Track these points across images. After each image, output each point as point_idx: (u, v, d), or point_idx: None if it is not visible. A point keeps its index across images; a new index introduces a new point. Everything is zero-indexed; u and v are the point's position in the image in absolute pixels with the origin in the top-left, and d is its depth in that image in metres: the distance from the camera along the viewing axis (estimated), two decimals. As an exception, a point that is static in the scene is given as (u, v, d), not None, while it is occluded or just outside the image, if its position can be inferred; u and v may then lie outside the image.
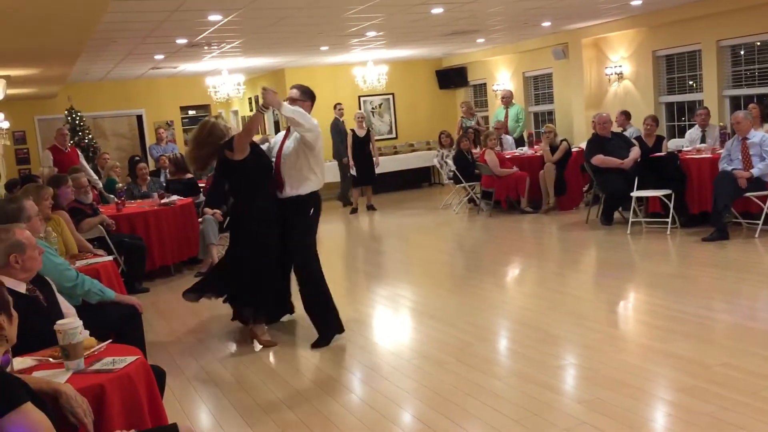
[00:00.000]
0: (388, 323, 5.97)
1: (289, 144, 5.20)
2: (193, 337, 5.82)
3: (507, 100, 13.27)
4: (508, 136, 12.33)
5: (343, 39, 10.80)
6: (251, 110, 17.62)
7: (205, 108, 17.47)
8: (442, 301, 6.35)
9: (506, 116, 13.16)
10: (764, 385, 3.80)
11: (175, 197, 8.45)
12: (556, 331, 5.14)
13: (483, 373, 4.40)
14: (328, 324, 5.33)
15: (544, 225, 9.68)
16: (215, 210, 8.10)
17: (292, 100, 5.11)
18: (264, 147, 5.41)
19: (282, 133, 5.46)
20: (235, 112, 18.96)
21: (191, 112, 17.60)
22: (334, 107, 12.77)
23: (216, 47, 10.49)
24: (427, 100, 15.92)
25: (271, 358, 5.19)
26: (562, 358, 4.65)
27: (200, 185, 9.69)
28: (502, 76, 14.68)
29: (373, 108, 15.25)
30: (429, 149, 14.69)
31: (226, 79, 13.10)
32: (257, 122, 5.13)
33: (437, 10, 8.75)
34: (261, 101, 5.01)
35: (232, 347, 5.52)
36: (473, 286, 6.84)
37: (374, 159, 12.27)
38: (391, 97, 14.76)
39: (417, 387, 4.34)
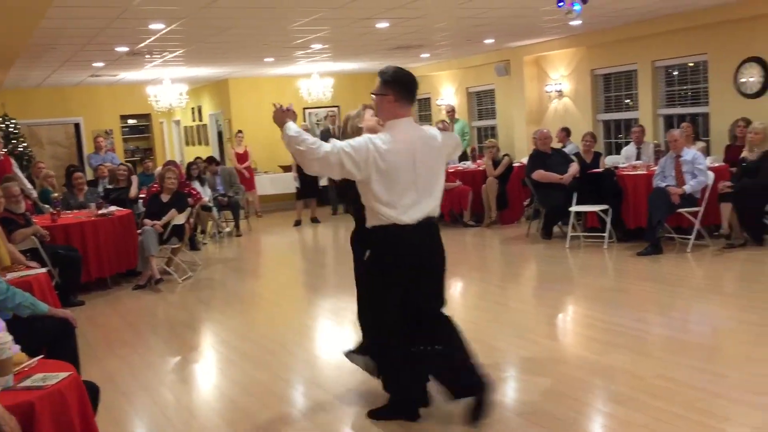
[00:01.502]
0: (331, 336, 5.94)
1: None
2: (130, 351, 5.67)
3: (451, 114, 13.42)
4: (451, 151, 12.45)
5: (288, 51, 10.77)
6: (194, 120, 17.38)
7: (146, 117, 17.15)
8: (386, 314, 6.33)
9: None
10: (698, 396, 3.92)
11: (113, 208, 8.25)
12: (498, 344, 5.20)
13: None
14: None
15: (486, 238, 9.81)
16: (155, 222, 7.94)
17: (373, 94, 3.78)
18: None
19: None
20: (177, 122, 18.68)
21: (131, 121, 17.26)
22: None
23: (158, 56, 10.32)
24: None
25: (209, 374, 5.10)
26: (502, 370, 4.70)
27: (140, 196, 9.48)
28: (447, 91, 14.87)
29: (318, 120, 15.23)
30: (374, 162, 14.72)
31: (168, 89, 12.89)
32: (290, 147, 3.74)
33: (383, 25, 8.82)
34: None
35: (171, 362, 5.40)
36: (416, 299, 6.85)
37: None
38: (336, 109, 14.76)
39: (359, 400, 4.32)
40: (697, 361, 4.50)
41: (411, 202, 3.65)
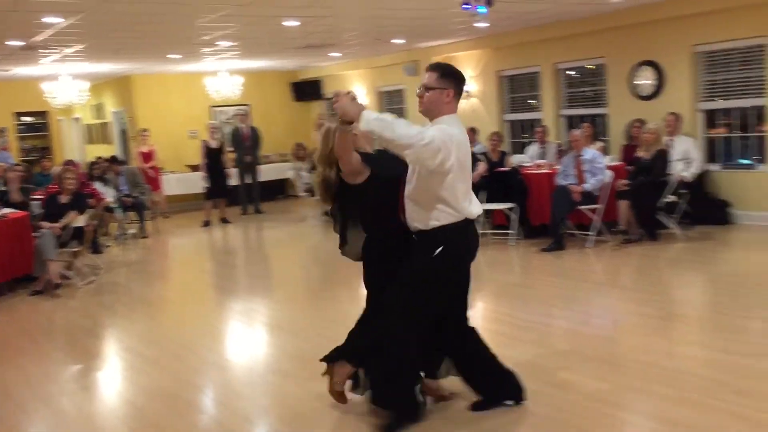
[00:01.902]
0: (242, 339, 5.84)
1: None
2: (27, 360, 5.39)
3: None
4: (362, 150, 12.51)
5: (194, 48, 10.52)
6: (96, 118, 16.72)
7: (42, 115, 16.38)
8: (297, 314, 6.31)
9: (361, 130, 13.34)
10: (600, 387, 4.08)
11: (6, 210, 7.82)
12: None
13: (337, 386, 4.39)
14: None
15: (398, 237, 9.87)
16: (53, 224, 7.58)
17: (427, 89, 3.56)
18: None
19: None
20: (77, 120, 17.91)
21: (27, 119, 16.44)
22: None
23: (55, 51, 9.86)
24: (282, 112, 15.83)
25: (113, 382, 4.92)
26: (414, 367, 4.74)
27: (38, 197, 9.03)
28: (358, 91, 14.90)
29: (227, 119, 14.95)
30: (284, 161, 14.61)
31: (66, 85, 12.33)
32: (346, 144, 3.52)
33: (292, 23, 8.75)
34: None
35: (72, 371, 5.17)
36: (329, 298, 6.85)
37: (227, 171, 12.05)
38: (246, 108, 14.54)
39: (271, 403, 4.28)
40: (598, 352, 4.69)
41: (470, 196, 3.62)
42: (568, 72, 11.11)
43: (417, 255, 3.62)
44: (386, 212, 3.71)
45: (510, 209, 8.54)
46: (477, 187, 8.79)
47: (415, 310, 3.60)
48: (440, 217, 3.52)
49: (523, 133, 12.04)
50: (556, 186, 8.11)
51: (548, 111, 11.21)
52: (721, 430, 3.47)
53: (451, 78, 3.57)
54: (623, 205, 8.02)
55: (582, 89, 10.99)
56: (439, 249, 3.52)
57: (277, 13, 7.96)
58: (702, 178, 8.84)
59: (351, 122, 3.35)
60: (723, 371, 4.22)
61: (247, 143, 12.91)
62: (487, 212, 8.93)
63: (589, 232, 8.05)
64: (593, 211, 8.00)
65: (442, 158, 3.37)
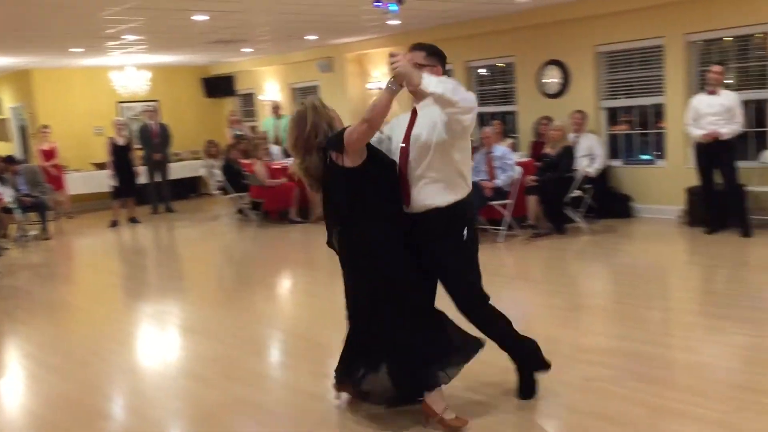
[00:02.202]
0: (152, 342, 5.67)
1: (420, 132, 3.52)
2: None
3: (277, 110, 13.34)
4: (276, 147, 12.39)
5: (98, 41, 10.12)
6: (-8, 114, 15.86)
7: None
8: (210, 315, 6.18)
9: (276, 127, 13.22)
10: (508, 379, 4.16)
11: None
12: (327, 340, 5.23)
13: (251, 388, 4.34)
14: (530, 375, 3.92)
15: (313, 235, 9.83)
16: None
17: (418, 66, 3.42)
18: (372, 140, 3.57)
19: (404, 116, 3.71)
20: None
21: None
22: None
23: (-55, 42, 9.29)
24: (193, 109, 15.47)
25: (13, 392, 4.68)
26: (330, 366, 4.73)
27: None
28: (271, 87, 14.73)
29: (135, 115, 14.47)
30: (196, 159, 14.28)
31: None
32: (386, 108, 3.35)
33: (201, 17, 8.54)
34: (392, 74, 3.34)
35: (-32, 382, 4.89)
36: (243, 298, 6.75)
37: (135, 169, 11.67)
38: (155, 104, 14.11)
39: (183, 407, 4.18)
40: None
41: None
42: (479, 70, 11.33)
43: (440, 238, 3.53)
44: (384, 199, 3.50)
45: (424, 205, 8.63)
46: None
47: (478, 293, 3.73)
48: (457, 191, 3.52)
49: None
50: (469, 182, 8.25)
51: (460, 108, 11.39)
52: (621, 415, 3.62)
53: (437, 56, 3.57)
54: (532, 200, 8.25)
55: (493, 87, 11.23)
56: (466, 227, 3.55)
57: (186, 6, 7.76)
58: (605, 173, 9.21)
59: (401, 85, 3.32)
60: (625, 359, 4.41)
61: (156, 140, 12.55)
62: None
63: (500, 227, 8.25)
64: (504, 206, 8.19)
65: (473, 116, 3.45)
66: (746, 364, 4.31)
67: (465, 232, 3.53)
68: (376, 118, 3.33)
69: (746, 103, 8.02)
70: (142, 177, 12.13)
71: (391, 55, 3.33)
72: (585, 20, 9.39)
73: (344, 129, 3.44)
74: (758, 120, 8.30)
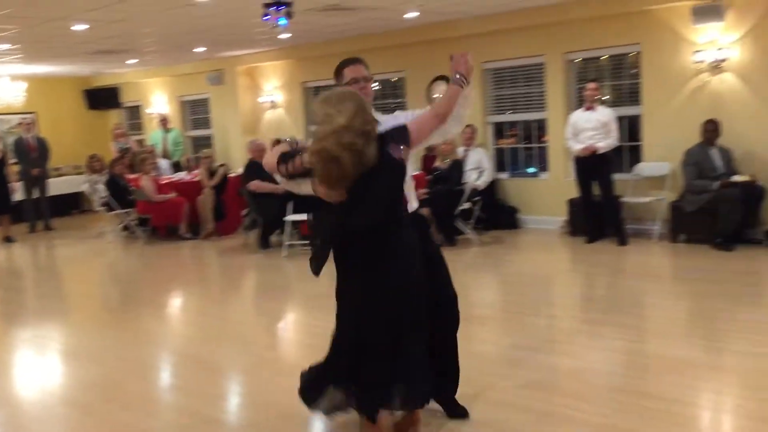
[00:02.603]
0: (30, 370, 5.33)
1: None
2: None
3: (165, 123, 12.96)
4: (164, 161, 12.02)
5: (-33, 49, 9.50)
6: None
7: None
8: (94, 338, 5.89)
9: (164, 140, 12.84)
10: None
11: None
12: (217, 359, 5.11)
13: (137, 413, 4.16)
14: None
15: (204, 251, 9.61)
16: None
17: (367, 80, 3.64)
18: None
19: (403, 114, 3.75)
20: None
21: None
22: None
23: None
24: (75, 121, 14.77)
25: None
26: (222, 387, 4.63)
27: None
28: (159, 99, 14.29)
29: (9, 128, 13.64)
30: (78, 174, 13.62)
31: None
32: (455, 102, 3.40)
33: (80, 27, 8.19)
34: (461, 71, 3.41)
35: None
36: (129, 319, 6.47)
37: (10, 185, 10.99)
38: (32, 116, 13.36)
39: (64, 439, 3.95)
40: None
41: None
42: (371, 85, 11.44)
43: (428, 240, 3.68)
44: (399, 198, 3.28)
45: (318, 219, 8.59)
46: (285, 198, 8.80)
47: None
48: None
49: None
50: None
51: (353, 122, 11.47)
52: (508, 422, 3.72)
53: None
54: (425, 213, 8.38)
55: (384, 102, 11.38)
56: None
57: (64, 15, 7.41)
58: (493, 186, 9.52)
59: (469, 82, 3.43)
60: (512, 367, 4.55)
61: (33, 155, 11.88)
62: (295, 223, 8.95)
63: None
64: (397, 219, 8.28)
65: None
66: (626, 368, 4.53)
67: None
68: (448, 113, 3.36)
69: (621, 119, 8.52)
70: (18, 193, 11.45)
71: (460, 55, 3.43)
72: (471, 38, 9.68)
73: (403, 123, 3.29)
74: (632, 135, 8.84)
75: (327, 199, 3.19)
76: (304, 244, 8.88)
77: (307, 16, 8.26)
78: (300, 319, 6.37)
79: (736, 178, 7.54)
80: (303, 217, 8.68)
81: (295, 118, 12.31)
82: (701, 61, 7.96)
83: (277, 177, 3.36)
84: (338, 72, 3.61)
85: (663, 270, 7.41)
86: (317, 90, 12.15)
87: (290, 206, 8.69)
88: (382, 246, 3.21)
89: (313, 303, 6.69)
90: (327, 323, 5.77)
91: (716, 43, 7.85)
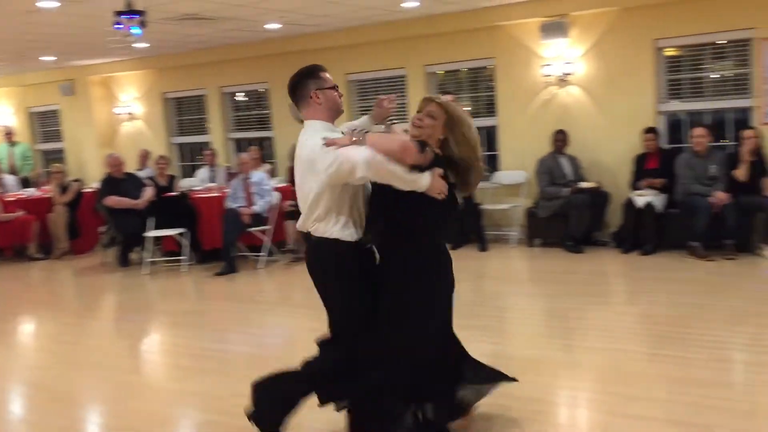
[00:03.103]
0: None
1: None
2: None
3: (10, 136, 12.10)
4: (9, 177, 11.21)
5: None
6: None
7: None
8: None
9: (10, 154, 11.99)
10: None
11: None
12: (72, 389, 4.80)
13: (-18, 453, 3.84)
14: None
15: (57, 272, 9.03)
16: None
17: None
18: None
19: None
20: None
21: None
22: None
23: None
24: None
25: None
26: (74, 417, 4.35)
27: None
28: (3, 110, 13.32)
29: None
30: None
31: None
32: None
33: None
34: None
35: None
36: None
37: None
38: None
39: None
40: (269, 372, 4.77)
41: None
42: (236, 95, 11.27)
43: None
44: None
45: (180, 234, 8.34)
46: (145, 213, 8.47)
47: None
48: None
49: (198, 155, 11.91)
50: (226, 209, 8.14)
51: (217, 134, 11.24)
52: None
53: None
54: (291, 225, 8.34)
55: (249, 113, 11.22)
56: None
57: None
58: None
59: None
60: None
61: None
62: (157, 239, 8.62)
63: (260, 253, 8.22)
64: (263, 232, 8.19)
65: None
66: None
67: None
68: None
69: (479, 130, 8.83)
70: None
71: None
72: (334, 49, 9.75)
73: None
74: (489, 145, 9.22)
75: (436, 196, 3.10)
76: (167, 261, 8.57)
77: (164, 25, 8.01)
78: (163, 339, 6.12)
79: (584, 184, 8.05)
80: (164, 232, 8.37)
81: (155, 130, 11.87)
82: (549, 75, 8.45)
83: (393, 165, 3.03)
84: (314, 74, 3.34)
85: (520, 273, 7.77)
86: (179, 101, 11.79)
87: (151, 222, 8.37)
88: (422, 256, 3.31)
89: (177, 321, 6.46)
90: (191, 341, 5.63)
91: (563, 58, 8.36)
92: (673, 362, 4.43)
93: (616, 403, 3.84)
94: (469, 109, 9.22)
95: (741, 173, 7.21)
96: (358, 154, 2.99)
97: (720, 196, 7.13)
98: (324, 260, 3.26)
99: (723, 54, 7.93)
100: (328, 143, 3.05)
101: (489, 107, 9.17)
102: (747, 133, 7.30)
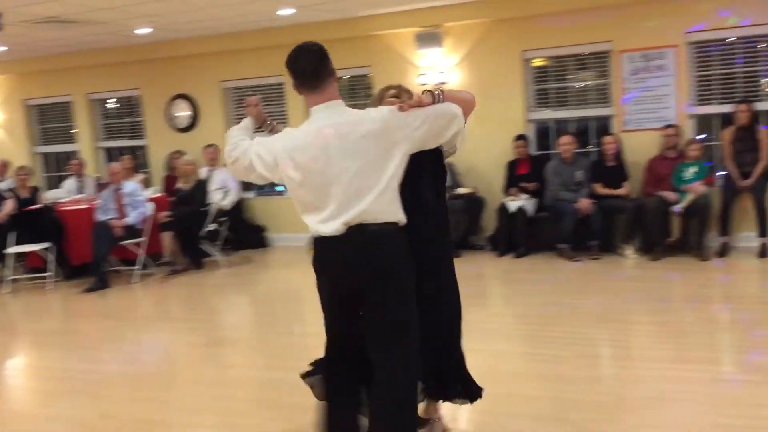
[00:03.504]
0: None
1: None
2: None
3: None
4: None
5: None
6: None
7: None
8: None
9: None
10: (143, 428, 3.97)
11: None
12: None
13: None
14: None
15: None
16: None
17: None
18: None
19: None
20: None
21: None
22: None
23: None
24: None
25: None
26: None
27: None
28: None
29: None
30: None
31: None
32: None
33: None
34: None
35: None
36: None
37: None
38: None
39: None
40: (146, 391, 4.58)
41: (320, 211, 2.83)
42: (107, 102, 10.77)
43: None
44: None
45: (46, 249, 7.86)
46: (6, 228, 7.91)
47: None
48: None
49: (65, 165, 11.26)
50: (96, 222, 7.75)
51: (85, 143, 10.69)
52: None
53: (288, 70, 2.96)
54: (167, 237, 8.07)
55: (120, 120, 10.75)
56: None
57: None
58: (240, 205, 9.42)
59: None
60: (263, 389, 4.51)
61: None
62: (19, 255, 8.08)
63: (134, 267, 7.88)
64: (137, 244, 7.86)
65: (261, 172, 2.89)
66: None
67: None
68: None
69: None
70: None
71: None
72: (210, 56, 9.54)
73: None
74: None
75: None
76: (31, 278, 8.05)
77: (24, 28, 7.54)
78: (30, 362, 5.72)
79: (461, 190, 8.28)
80: (26, 248, 7.86)
81: (16, 139, 11.14)
82: (425, 84, 8.63)
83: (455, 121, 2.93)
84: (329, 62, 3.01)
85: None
86: (43, 108, 11.13)
87: (12, 237, 7.83)
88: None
89: (43, 342, 6.07)
90: (61, 362, 5.29)
91: (438, 67, 8.57)
92: (545, 360, 4.62)
93: (492, 403, 3.96)
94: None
95: (600, 186, 7.68)
96: (454, 108, 2.91)
97: (583, 204, 7.54)
98: (394, 250, 2.84)
99: (585, 65, 8.40)
100: (405, 107, 2.78)
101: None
102: (607, 139, 7.79)
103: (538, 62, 8.52)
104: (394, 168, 2.78)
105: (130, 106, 10.63)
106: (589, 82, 8.41)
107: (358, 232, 2.77)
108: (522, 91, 8.38)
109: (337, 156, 2.75)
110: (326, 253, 2.90)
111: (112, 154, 10.61)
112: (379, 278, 2.82)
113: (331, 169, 2.75)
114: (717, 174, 7.65)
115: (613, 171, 7.74)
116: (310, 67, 2.87)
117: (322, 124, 2.81)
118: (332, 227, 2.80)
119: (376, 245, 2.80)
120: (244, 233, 9.33)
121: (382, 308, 2.84)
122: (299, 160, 2.79)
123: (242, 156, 2.89)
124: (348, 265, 2.83)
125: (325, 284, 3.00)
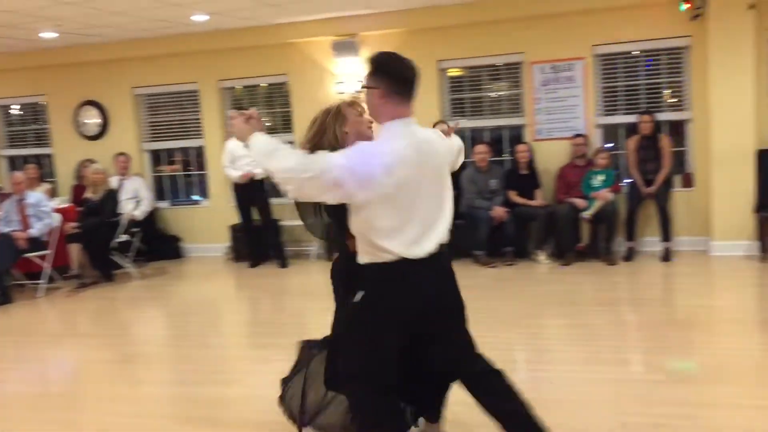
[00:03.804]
0: None
1: None
2: None
3: None
4: None
5: None
6: None
7: None
8: None
9: None
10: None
11: None
12: None
13: None
14: None
15: None
16: None
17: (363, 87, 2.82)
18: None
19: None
20: None
21: None
22: None
23: None
24: None
25: None
26: None
27: None
28: None
29: None
30: None
31: None
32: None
33: None
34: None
35: None
36: None
37: None
38: None
39: None
40: (51, 412, 4.37)
41: (411, 230, 2.69)
42: (10, 108, 10.28)
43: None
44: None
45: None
46: None
47: (361, 353, 2.86)
48: (365, 252, 2.76)
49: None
50: (2, 233, 7.38)
51: (-14, 151, 10.17)
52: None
53: (379, 74, 2.72)
54: (75, 249, 7.77)
55: (25, 128, 10.28)
56: (360, 294, 2.77)
57: None
58: (153, 215, 9.17)
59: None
60: (178, 405, 4.38)
61: None
62: None
63: (39, 281, 7.54)
64: (43, 257, 7.52)
65: (350, 190, 2.56)
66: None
67: (357, 297, 2.83)
68: (271, 174, 2.78)
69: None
70: None
71: (230, 116, 2.91)
72: (120, 62, 9.27)
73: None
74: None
75: None
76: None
77: None
78: None
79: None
80: None
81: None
82: (343, 92, 8.64)
83: None
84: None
85: (321, 288, 7.80)
86: (-63, 114, 10.51)
87: None
88: None
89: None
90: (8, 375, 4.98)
91: (355, 76, 8.60)
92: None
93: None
94: (268, 124, 9.17)
95: (514, 194, 7.88)
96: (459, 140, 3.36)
97: (498, 211, 7.72)
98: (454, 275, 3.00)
99: (499, 75, 8.61)
100: (449, 133, 3.19)
101: (286, 123, 9.18)
102: (520, 147, 8.00)
103: (453, 72, 8.68)
104: (449, 188, 2.88)
105: (35, 112, 10.18)
106: (503, 92, 8.63)
107: (442, 251, 2.80)
108: (438, 100, 8.51)
109: (427, 172, 2.73)
110: (414, 276, 2.73)
111: (15, 163, 10.13)
112: (459, 297, 3.04)
113: (421, 186, 2.69)
114: (623, 182, 7.98)
115: (526, 179, 7.96)
116: (416, 78, 2.76)
117: (414, 138, 2.72)
118: (425, 248, 2.72)
119: (450, 265, 2.94)
120: (157, 244, 9.09)
121: (463, 324, 3.12)
122: (399, 174, 2.61)
123: (322, 173, 2.53)
124: (440, 283, 2.87)
125: (400, 309, 2.78)
